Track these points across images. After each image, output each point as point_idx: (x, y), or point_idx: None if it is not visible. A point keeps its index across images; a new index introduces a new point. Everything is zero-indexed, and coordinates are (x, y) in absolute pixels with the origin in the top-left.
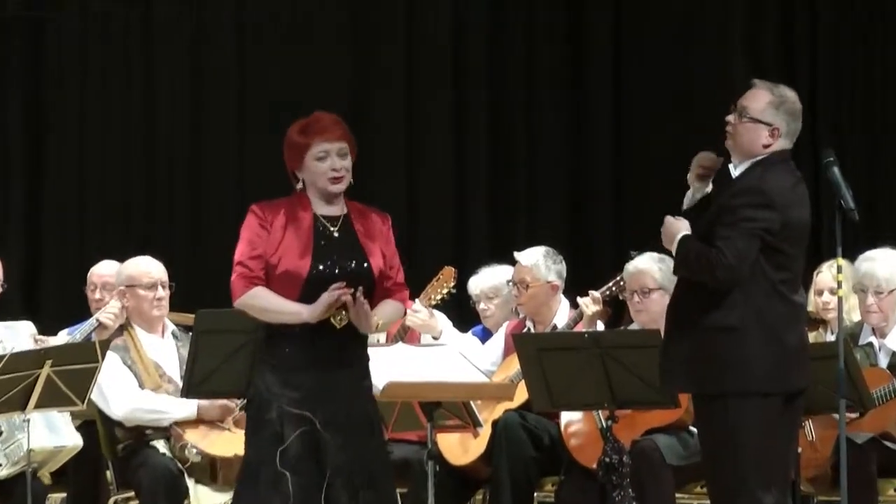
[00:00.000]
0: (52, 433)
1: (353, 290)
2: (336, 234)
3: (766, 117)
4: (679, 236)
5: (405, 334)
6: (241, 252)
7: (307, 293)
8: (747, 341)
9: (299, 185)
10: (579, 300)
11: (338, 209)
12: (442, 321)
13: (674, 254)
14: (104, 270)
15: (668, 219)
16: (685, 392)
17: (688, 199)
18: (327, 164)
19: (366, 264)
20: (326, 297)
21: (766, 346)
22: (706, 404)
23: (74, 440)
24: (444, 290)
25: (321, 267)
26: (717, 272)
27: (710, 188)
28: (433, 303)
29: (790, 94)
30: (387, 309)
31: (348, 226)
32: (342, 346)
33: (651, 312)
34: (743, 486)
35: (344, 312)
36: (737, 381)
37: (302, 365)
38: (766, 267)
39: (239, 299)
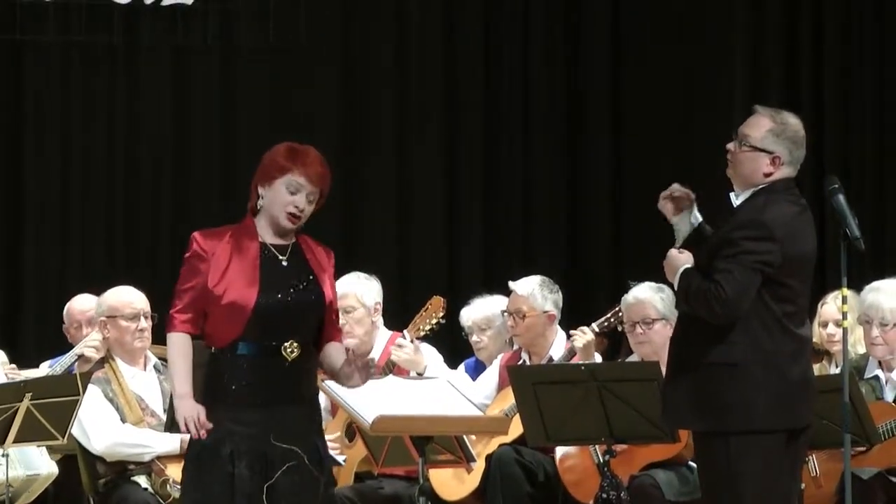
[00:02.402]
0: (25, 463)
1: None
2: (285, 263)
3: (766, 145)
4: (681, 270)
5: (392, 369)
6: (177, 282)
7: (255, 324)
8: (749, 377)
9: (261, 202)
10: (571, 332)
11: (287, 239)
12: (430, 355)
13: (675, 288)
14: (86, 306)
15: (672, 252)
16: (688, 429)
17: (678, 237)
18: (293, 198)
19: (315, 295)
20: (193, 420)
21: (768, 382)
22: (707, 440)
23: (49, 468)
24: (433, 321)
25: (268, 297)
26: (715, 307)
27: (696, 220)
28: (421, 334)
29: (792, 121)
30: (340, 357)
31: (298, 255)
32: (294, 381)
33: (654, 343)
34: None
35: (296, 344)
36: (739, 419)
37: (254, 400)
38: (769, 300)
39: (167, 334)
